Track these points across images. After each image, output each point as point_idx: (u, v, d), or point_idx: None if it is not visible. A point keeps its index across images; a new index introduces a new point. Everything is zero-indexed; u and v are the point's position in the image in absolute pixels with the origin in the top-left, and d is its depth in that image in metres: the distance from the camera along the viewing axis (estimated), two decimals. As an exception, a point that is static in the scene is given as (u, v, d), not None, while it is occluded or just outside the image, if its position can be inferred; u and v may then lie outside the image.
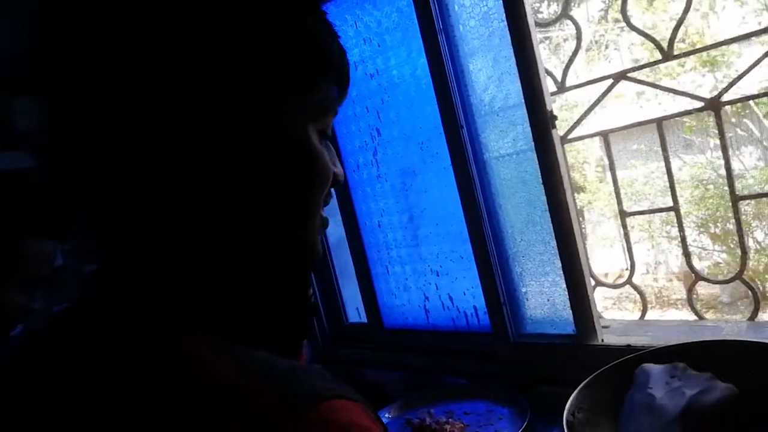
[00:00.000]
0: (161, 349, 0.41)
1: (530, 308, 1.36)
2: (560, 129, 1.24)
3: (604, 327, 1.27)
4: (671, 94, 1.45)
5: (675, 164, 5.49)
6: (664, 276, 6.32)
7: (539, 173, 1.23)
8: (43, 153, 0.47)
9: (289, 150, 0.47)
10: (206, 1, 0.43)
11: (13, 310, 0.99)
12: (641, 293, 1.44)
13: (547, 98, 1.21)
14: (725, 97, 1.20)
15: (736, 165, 5.43)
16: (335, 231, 1.77)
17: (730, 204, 1.24)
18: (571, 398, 0.78)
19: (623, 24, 1.46)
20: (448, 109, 1.33)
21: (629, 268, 1.45)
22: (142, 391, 0.38)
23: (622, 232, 1.41)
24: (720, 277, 1.57)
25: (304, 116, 0.48)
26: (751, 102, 4.91)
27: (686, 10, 1.19)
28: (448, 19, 1.32)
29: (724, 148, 1.26)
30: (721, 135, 1.25)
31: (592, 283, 1.30)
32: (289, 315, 0.52)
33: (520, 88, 1.21)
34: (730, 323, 1.21)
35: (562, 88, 1.35)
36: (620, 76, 1.28)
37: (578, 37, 1.36)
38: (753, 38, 1.20)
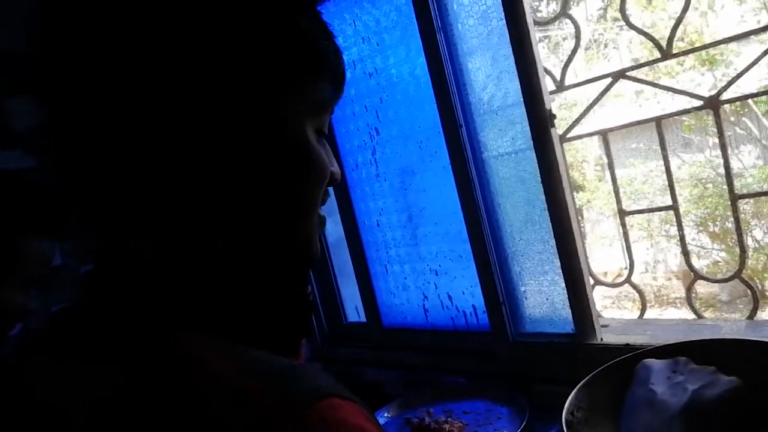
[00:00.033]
0: (161, 349, 0.41)
1: (529, 307, 1.36)
2: (559, 128, 1.24)
3: (603, 326, 1.27)
4: (670, 93, 1.45)
5: (674, 163, 5.50)
6: (663, 275, 6.33)
7: (538, 172, 1.23)
8: (42, 153, 0.47)
9: (287, 148, 0.47)
10: (204, 2, 0.43)
11: (13, 310, 0.99)
12: (640, 292, 1.44)
13: (546, 97, 1.21)
14: (724, 96, 1.20)
15: (735, 164, 5.43)
16: (334, 230, 1.77)
17: (729, 203, 1.24)
18: (570, 397, 0.78)
19: (622, 23, 1.46)
20: (446, 108, 1.33)
21: (628, 267, 1.45)
22: (142, 391, 0.38)
23: (621, 231, 1.41)
24: (719, 276, 1.58)
25: (301, 115, 0.48)
26: (750, 101, 4.92)
27: (685, 9, 1.19)
28: (447, 18, 1.32)
29: (723, 147, 1.26)
30: (720, 134, 1.25)
31: (591, 282, 1.30)
32: (289, 314, 0.52)
33: (519, 86, 1.21)
34: (729, 322, 1.21)
35: (561, 86, 1.35)
36: (619, 74, 1.28)
37: (577, 36, 1.36)
38: (752, 37, 1.20)
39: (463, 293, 1.49)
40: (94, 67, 0.42)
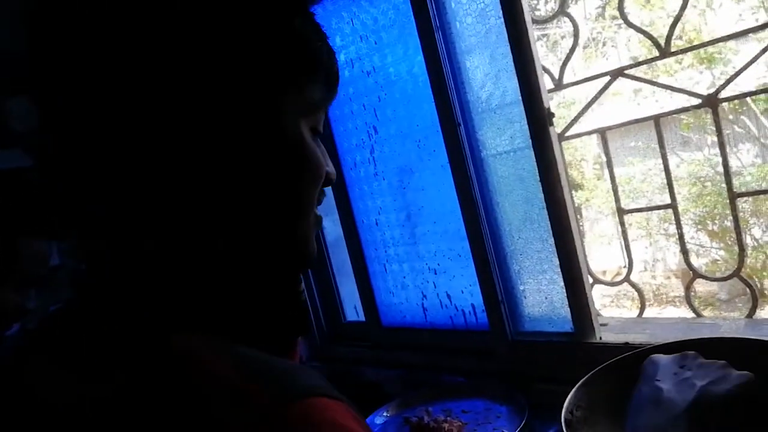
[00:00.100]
0: (161, 348, 0.41)
1: (528, 306, 1.36)
2: (558, 126, 1.24)
3: (602, 325, 1.27)
4: (668, 91, 1.45)
5: (672, 161, 5.50)
6: (662, 273, 6.33)
7: (537, 171, 1.23)
8: (41, 152, 0.47)
9: (283, 146, 0.48)
10: (201, 3, 0.44)
11: (11, 310, 0.99)
12: (639, 291, 1.44)
13: (545, 95, 1.21)
14: (722, 94, 1.20)
15: (733, 162, 5.44)
16: (333, 229, 1.77)
17: (728, 201, 1.24)
18: (569, 396, 0.77)
19: (620, 21, 1.46)
20: (445, 107, 1.33)
21: (627, 265, 1.45)
22: (141, 391, 0.38)
23: (619, 229, 1.41)
24: (718, 275, 1.58)
25: (296, 114, 0.49)
26: (748, 99, 4.92)
27: (683, 7, 1.19)
28: (445, 16, 1.32)
29: (722, 145, 1.26)
30: (719, 132, 1.25)
31: (590, 280, 1.30)
32: (287, 313, 0.53)
33: (518, 85, 1.21)
34: (728, 320, 1.21)
35: (559, 85, 1.34)
36: (617, 73, 1.28)
37: (575, 35, 1.36)
38: (750, 35, 1.21)
39: (462, 292, 1.49)
40: (93, 67, 0.42)
